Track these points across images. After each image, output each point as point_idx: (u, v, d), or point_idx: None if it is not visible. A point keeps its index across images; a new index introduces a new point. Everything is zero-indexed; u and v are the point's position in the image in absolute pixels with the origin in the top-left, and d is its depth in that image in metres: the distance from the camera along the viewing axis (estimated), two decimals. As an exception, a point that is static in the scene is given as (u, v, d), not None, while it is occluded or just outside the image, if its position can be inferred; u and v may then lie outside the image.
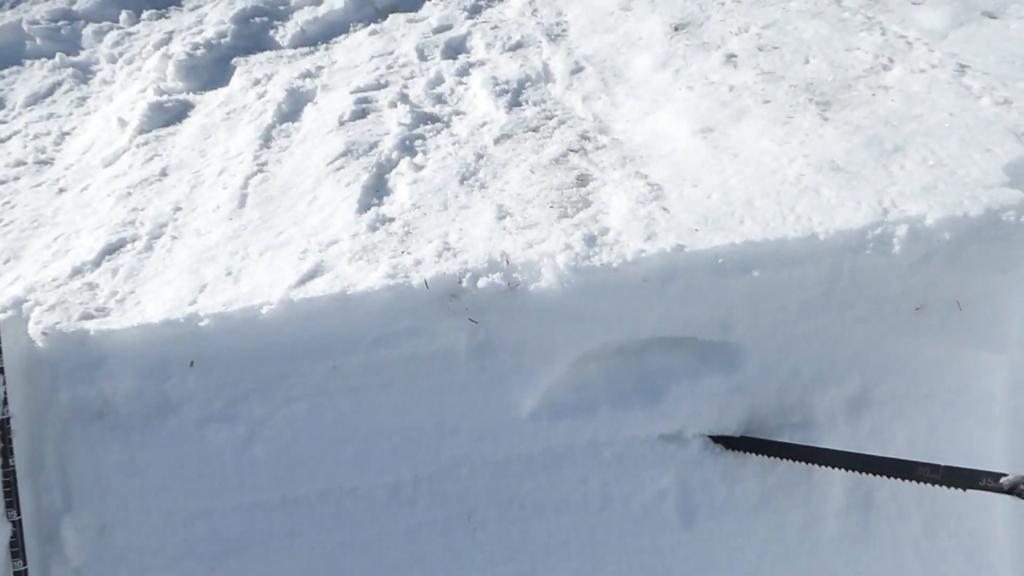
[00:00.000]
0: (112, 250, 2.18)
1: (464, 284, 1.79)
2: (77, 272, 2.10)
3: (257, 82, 3.11)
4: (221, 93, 3.10)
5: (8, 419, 1.83)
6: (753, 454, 1.85)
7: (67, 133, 3.01)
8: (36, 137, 2.97)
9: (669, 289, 1.76)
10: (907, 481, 1.61)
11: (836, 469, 1.77)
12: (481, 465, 1.88)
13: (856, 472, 1.75)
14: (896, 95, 2.19)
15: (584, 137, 2.36)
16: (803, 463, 1.82)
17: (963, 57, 2.35)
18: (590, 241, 1.83)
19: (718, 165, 2.04)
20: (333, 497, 1.88)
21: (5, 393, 1.83)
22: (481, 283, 1.78)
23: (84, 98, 3.29)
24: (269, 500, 1.88)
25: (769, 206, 1.83)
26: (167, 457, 1.87)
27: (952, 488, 1.55)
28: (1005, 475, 1.44)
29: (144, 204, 2.40)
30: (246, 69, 3.26)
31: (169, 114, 2.95)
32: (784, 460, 1.84)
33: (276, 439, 1.87)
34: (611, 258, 1.77)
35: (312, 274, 1.90)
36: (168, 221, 2.29)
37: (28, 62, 3.61)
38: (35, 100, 3.29)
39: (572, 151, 2.28)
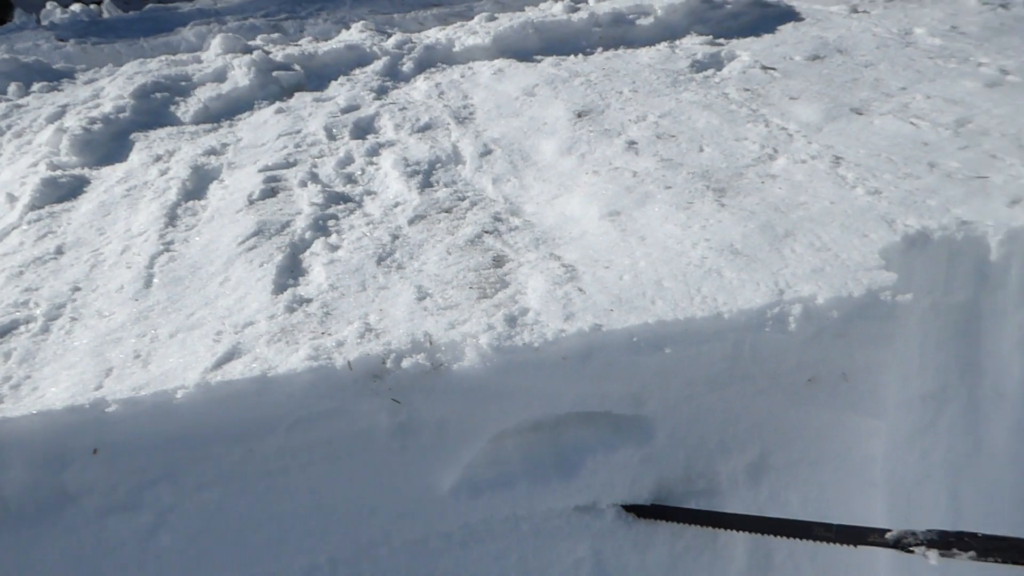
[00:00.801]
0: (3, 332, 2.07)
1: (388, 365, 1.81)
2: (-35, 356, 1.98)
3: (159, 158, 3.06)
4: (120, 169, 3.03)
5: None
6: (663, 521, 1.92)
7: (-51, 208, 2.85)
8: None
9: (587, 366, 1.82)
10: (804, 540, 1.71)
11: (739, 532, 1.86)
12: (400, 544, 1.86)
13: (757, 534, 1.84)
14: (782, 183, 2.39)
15: (497, 219, 2.44)
16: (709, 528, 1.90)
17: (837, 149, 2.60)
18: (511, 321, 1.88)
19: (627, 248, 2.15)
20: (245, 587, 1.81)
21: None
22: (405, 363, 1.80)
23: (-35, 172, 3.14)
24: (176, 593, 1.78)
25: (677, 287, 1.94)
26: (63, 551, 1.76)
27: (844, 544, 1.65)
28: (889, 531, 1.56)
29: (38, 284, 2.29)
30: (146, 144, 3.21)
31: (63, 189, 2.86)
32: (692, 526, 1.91)
33: (185, 527, 1.79)
34: (532, 338, 1.83)
35: (228, 356, 1.87)
36: (66, 302, 2.20)
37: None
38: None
39: (487, 232, 2.35)
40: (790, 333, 1.81)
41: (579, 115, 3.12)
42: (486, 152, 2.95)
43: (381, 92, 3.58)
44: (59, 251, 2.47)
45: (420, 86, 3.68)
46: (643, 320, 1.84)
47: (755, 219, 2.19)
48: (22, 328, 2.09)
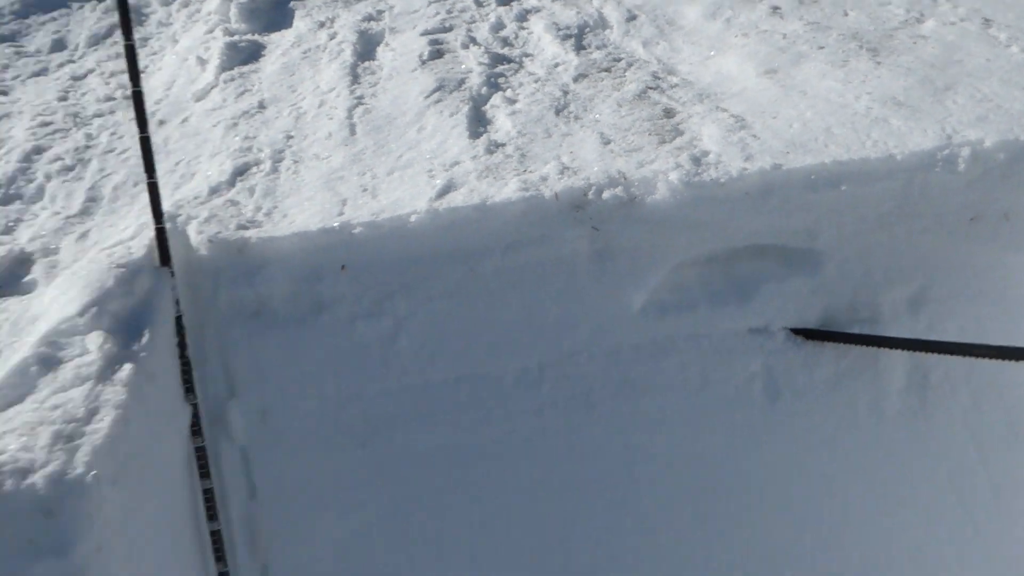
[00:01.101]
0: (241, 172, 2.38)
1: (589, 196, 2.07)
2: (215, 191, 2.29)
3: (322, 24, 3.28)
4: (288, 34, 3.27)
5: (180, 316, 2.04)
6: (829, 343, 2.19)
7: (141, 71, 3.14)
8: (114, 75, 3.09)
9: (766, 202, 2.06)
10: (963, 357, 1.97)
11: (900, 351, 2.12)
12: (597, 354, 2.17)
13: (918, 352, 2.09)
14: (935, 43, 2.53)
15: (656, 77, 2.64)
16: (872, 348, 2.16)
17: (985, 13, 2.71)
18: (695, 161, 2.12)
19: (790, 101, 2.35)
20: (468, 382, 2.15)
21: (177, 294, 2.04)
22: (605, 195, 2.06)
23: (145, 39, 3.40)
24: (412, 385, 2.13)
25: (846, 133, 2.15)
26: (320, 350, 2.11)
27: (1004, 360, 1.90)
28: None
29: (254, 133, 2.59)
30: (306, 12, 3.43)
31: (244, 53, 3.11)
32: (856, 347, 2.18)
33: (419, 332, 2.12)
34: (717, 175, 2.06)
35: (446, 189, 2.15)
36: (284, 148, 2.49)
37: (75, 5, 3.69)
38: (96, 41, 3.39)
39: (650, 88, 2.56)
40: (958, 174, 2.01)
41: (719, -18, 3.25)
42: (631, 18, 3.11)
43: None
44: (261, 106, 2.75)
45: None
46: (819, 160, 2.06)
47: (913, 75, 2.36)
48: (254, 169, 2.40)
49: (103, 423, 1.58)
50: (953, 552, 2.19)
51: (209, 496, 2.00)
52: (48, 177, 2.49)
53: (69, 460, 1.47)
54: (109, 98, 2.93)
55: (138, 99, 1.91)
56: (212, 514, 2.00)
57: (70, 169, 2.52)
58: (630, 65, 2.76)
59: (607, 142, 2.29)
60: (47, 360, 1.72)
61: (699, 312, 2.18)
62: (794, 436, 2.17)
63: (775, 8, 2.96)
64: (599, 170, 2.15)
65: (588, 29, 3.06)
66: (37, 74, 3.13)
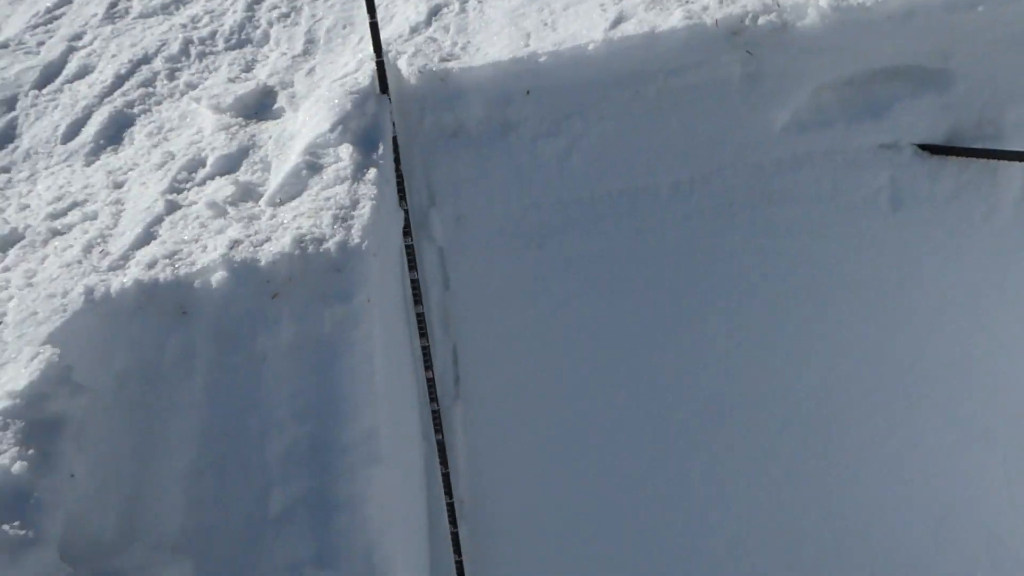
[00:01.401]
0: (435, 13, 2.77)
1: (746, 23, 2.35)
2: (415, 31, 2.70)
3: None
4: None
5: (396, 136, 2.51)
6: (952, 157, 2.45)
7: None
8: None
9: (907, 25, 2.29)
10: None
11: (1018, 165, 2.36)
12: (741, 168, 2.52)
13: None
14: None
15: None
16: (992, 162, 2.41)
17: None
18: (842, -11, 2.35)
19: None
20: (629, 194, 2.55)
21: (392, 117, 2.50)
22: (761, 21, 2.33)
23: None
24: (582, 196, 2.56)
25: (988, -43, 2.31)
26: (506, 164, 2.54)
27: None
28: None
29: (434, -23, 2.95)
30: None
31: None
32: (976, 161, 2.43)
33: (589, 150, 2.52)
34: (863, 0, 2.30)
35: (617, 21, 2.47)
36: (466, -11, 2.85)
37: None
38: None
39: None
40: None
41: None
42: None
43: None
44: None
45: None
46: (960, -16, 2.25)
47: None
48: (445, 10, 2.78)
49: (364, 210, 2.09)
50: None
51: (415, 285, 2.52)
52: (270, 23, 2.96)
53: (348, 233, 2.00)
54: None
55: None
56: (417, 299, 2.52)
57: (287, 16, 2.98)
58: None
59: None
60: (312, 166, 2.23)
61: (835, 129, 2.47)
62: (913, 242, 2.49)
63: None
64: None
65: None
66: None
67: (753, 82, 2.42)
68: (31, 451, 1.57)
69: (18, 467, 1.53)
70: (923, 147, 2.47)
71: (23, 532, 1.48)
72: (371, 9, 2.36)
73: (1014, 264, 2.49)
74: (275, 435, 1.87)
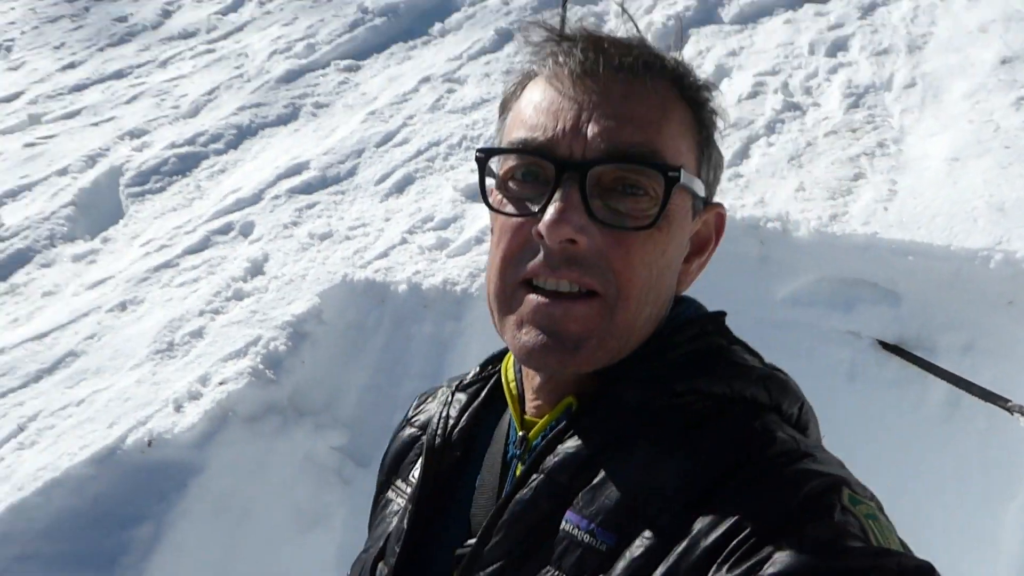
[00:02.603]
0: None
1: (761, 224, 3.50)
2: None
3: (700, 53, 4.85)
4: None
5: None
6: (896, 356, 3.34)
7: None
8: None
9: (865, 254, 3.27)
10: (973, 395, 3.03)
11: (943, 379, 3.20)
12: (749, 318, 3.63)
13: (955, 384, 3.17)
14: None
15: (881, 145, 3.76)
16: (924, 369, 3.27)
17: None
18: (835, 218, 3.38)
19: (939, 184, 3.38)
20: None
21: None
22: (770, 226, 3.47)
23: (597, 41, 5.33)
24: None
25: (945, 221, 3.20)
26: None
27: (988, 401, 2.95)
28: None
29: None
30: (695, 40, 5.01)
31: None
32: (913, 365, 3.30)
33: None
34: (847, 231, 3.32)
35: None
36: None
37: (570, 6, 5.75)
38: (570, 38, 5.42)
39: (865, 155, 3.72)
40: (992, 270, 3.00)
41: (1003, 62, 3.99)
42: (910, 84, 4.10)
43: (868, 10, 4.71)
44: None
45: (904, 5, 4.69)
46: (910, 237, 3.19)
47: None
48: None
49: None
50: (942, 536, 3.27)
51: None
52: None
53: (469, 284, 3.60)
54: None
55: None
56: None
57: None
58: (875, 128, 3.89)
59: (800, 189, 3.62)
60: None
61: (816, 310, 3.50)
62: (861, 408, 3.41)
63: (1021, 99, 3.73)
64: (778, 206, 3.54)
65: (872, 89, 4.16)
66: None
67: (764, 262, 3.55)
68: (290, 344, 3.42)
69: (283, 350, 3.38)
70: (879, 341, 3.40)
71: (274, 379, 3.31)
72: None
73: (932, 446, 3.32)
74: (407, 381, 3.56)
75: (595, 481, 0.86)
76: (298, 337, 3.44)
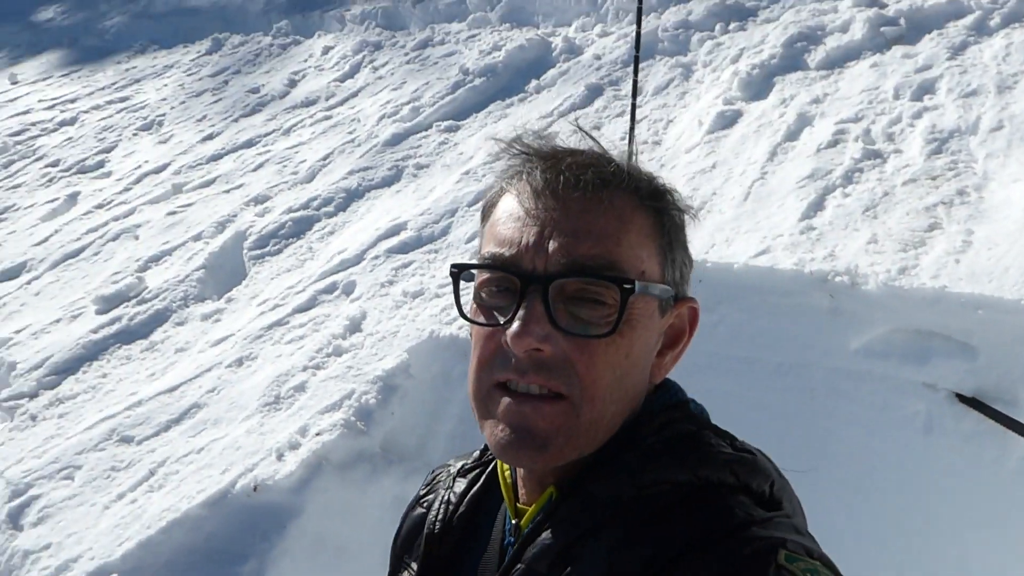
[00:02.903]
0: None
1: (829, 278, 3.53)
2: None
3: (783, 101, 4.90)
4: (761, 106, 4.97)
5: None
6: (974, 409, 3.27)
7: (671, 121, 5.25)
8: (654, 122, 5.27)
9: (936, 307, 3.25)
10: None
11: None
12: (823, 367, 3.65)
13: (1037, 436, 3.08)
14: None
15: (961, 193, 3.70)
16: (1003, 424, 3.19)
17: None
18: (904, 271, 3.37)
19: (1011, 235, 3.31)
20: (749, 361, 3.86)
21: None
22: (838, 280, 3.50)
23: (684, 93, 5.47)
24: (719, 352, 3.94)
25: (1017, 271, 3.13)
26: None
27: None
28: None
29: (710, 188, 4.51)
30: (780, 88, 5.05)
31: (725, 120, 4.96)
32: (991, 419, 3.22)
33: (730, 325, 3.90)
34: (915, 284, 3.31)
35: (761, 252, 3.81)
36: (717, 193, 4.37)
37: (658, 57, 5.91)
38: (658, 91, 5.59)
39: (943, 204, 3.68)
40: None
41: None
42: (997, 128, 4.00)
43: (959, 50, 4.61)
44: (713, 166, 4.63)
45: (996, 43, 4.56)
46: (979, 291, 3.14)
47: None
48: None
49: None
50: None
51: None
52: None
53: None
54: (642, 141, 5.12)
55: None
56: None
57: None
58: (957, 175, 3.83)
59: (872, 241, 3.63)
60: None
61: (890, 362, 3.47)
62: (936, 461, 3.35)
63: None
64: (847, 259, 3.56)
65: (957, 134, 4.09)
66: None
67: (835, 314, 3.57)
68: (380, 396, 3.73)
69: (373, 403, 3.70)
70: (956, 394, 3.34)
71: (364, 430, 3.63)
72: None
73: (1015, 503, 3.21)
74: None
75: (568, 570, 0.93)
76: (388, 390, 3.76)
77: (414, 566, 1.17)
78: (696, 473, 0.97)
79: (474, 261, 1.05)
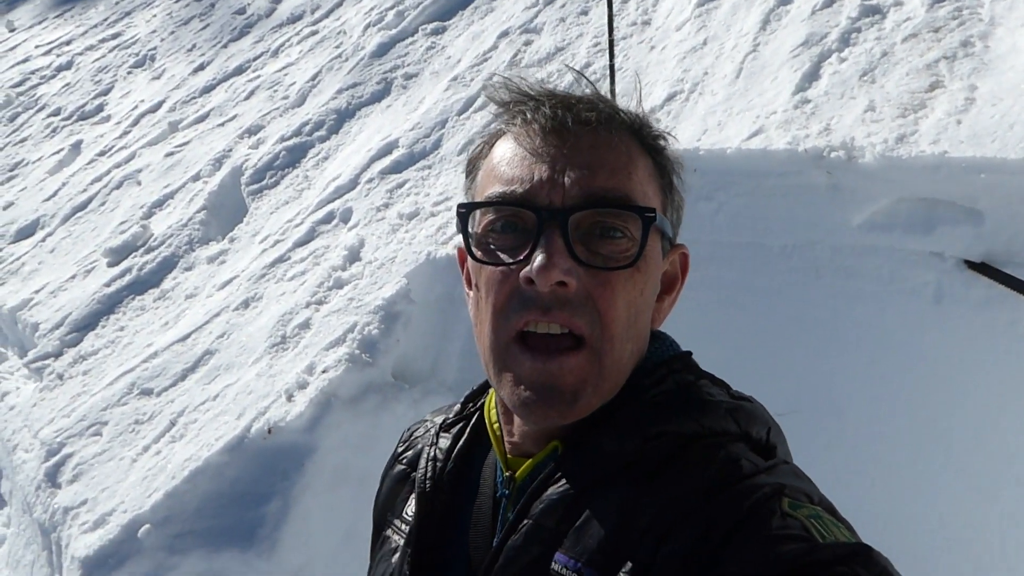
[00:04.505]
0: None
1: (824, 155, 3.36)
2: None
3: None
4: None
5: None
6: (984, 275, 3.15)
7: None
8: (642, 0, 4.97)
9: (937, 174, 3.08)
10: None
11: (1031, 293, 2.99)
12: (828, 246, 3.53)
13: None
14: None
15: (965, 44, 3.44)
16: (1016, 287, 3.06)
17: None
18: (901, 140, 3.19)
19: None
20: (753, 247, 3.75)
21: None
22: (833, 155, 3.33)
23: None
24: (722, 241, 3.84)
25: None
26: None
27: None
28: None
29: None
30: (772, -57, 4.68)
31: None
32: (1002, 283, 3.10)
33: (729, 212, 3.77)
34: (915, 152, 3.13)
35: (755, 133, 3.63)
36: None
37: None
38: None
39: (945, 58, 3.43)
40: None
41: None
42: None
43: None
44: (705, 43, 4.37)
45: None
46: (982, 153, 2.96)
47: None
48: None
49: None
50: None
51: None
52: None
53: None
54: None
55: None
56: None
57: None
58: (961, 24, 3.55)
59: (870, 110, 3.42)
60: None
61: (895, 234, 3.33)
62: (949, 330, 3.26)
63: None
64: (843, 132, 3.37)
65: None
66: None
67: (835, 190, 3.42)
68: (382, 326, 3.75)
69: (376, 333, 3.72)
70: (965, 260, 3.21)
71: (370, 361, 3.67)
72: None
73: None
74: None
75: (578, 523, 0.93)
76: (390, 319, 3.77)
77: (397, 523, 1.17)
78: (700, 423, 0.97)
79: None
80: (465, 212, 1.02)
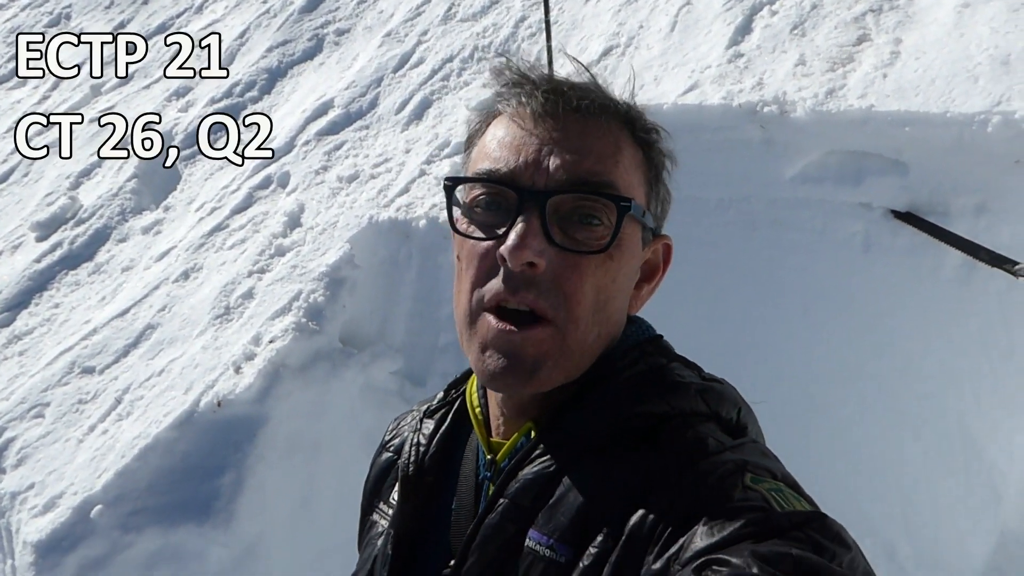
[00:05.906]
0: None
1: (758, 109, 3.43)
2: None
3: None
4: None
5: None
6: (909, 224, 3.28)
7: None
8: None
9: (864, 128, 3.18)
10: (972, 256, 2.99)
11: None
12: (763, 198, 3.63)
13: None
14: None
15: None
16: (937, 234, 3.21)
17: None
18: (831, 93, 3.27)
19: (942, 42, 3.18)
20: (692, 201, 3.83)
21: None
22: (766, 110, 3.40)
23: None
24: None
25: (945, 85, 3.04)
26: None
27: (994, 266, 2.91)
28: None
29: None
30: None
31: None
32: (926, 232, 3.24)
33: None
34: (843, 106, 3.22)
35: (690, 88, 3.68)
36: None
37: None
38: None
39: (872, 11, 3.50)
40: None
41: None
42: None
43: None
44: None
45: None
46: (907, 108, 3.06)
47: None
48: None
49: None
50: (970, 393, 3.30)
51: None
52: (523, 40, 4.59)
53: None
54: None
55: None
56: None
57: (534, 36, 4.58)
58: (888, -23, 3.62)
59: (800, 63, 3.49)
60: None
61: (825, 186, 3.45)
62: (877, 276, 3.41)
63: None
64: (775, 87, 3.44)
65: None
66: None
67: (768, 144, 3.50)
68: (328, 292, 3.74)
69: (321, 300, 3.71)
70: (891, 210, 3.35)
71: (317, 329, 3.66)
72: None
73: (953, 311, 3.30)
74: (445, 304, 3.83)
75: (551, 501, 0.96)
76: (335, 284, 3.76)
77: (383, 507, 1.20)
78: (670, 404, 1.00)
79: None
80: (451, 186, 1.05)
